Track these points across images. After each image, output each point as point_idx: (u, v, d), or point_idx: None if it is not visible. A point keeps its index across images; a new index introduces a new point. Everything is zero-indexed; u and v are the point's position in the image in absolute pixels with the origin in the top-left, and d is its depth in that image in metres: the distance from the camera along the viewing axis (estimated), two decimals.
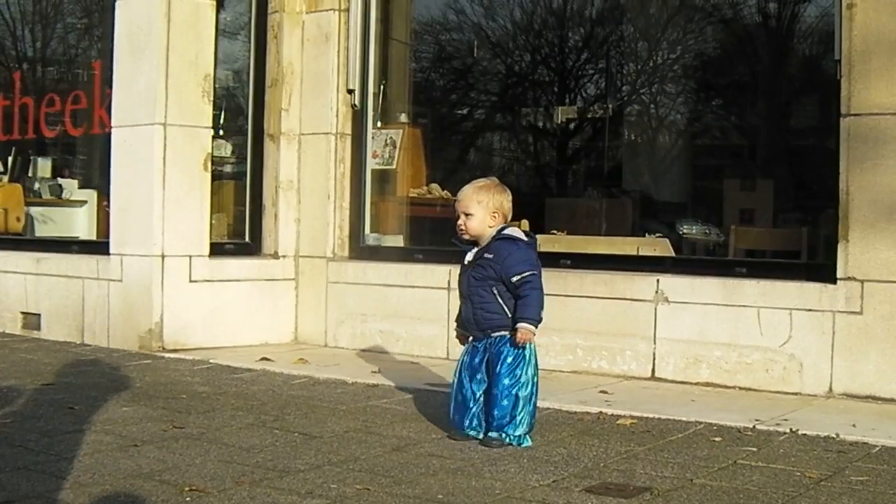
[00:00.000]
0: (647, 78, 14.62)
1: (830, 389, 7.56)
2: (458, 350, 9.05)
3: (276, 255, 10.18)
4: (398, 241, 10.49)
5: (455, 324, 6.26)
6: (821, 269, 7.84)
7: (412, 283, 9.47)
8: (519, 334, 5.86)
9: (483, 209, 5.98)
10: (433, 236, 10.96)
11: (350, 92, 10.09)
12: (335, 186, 10.04)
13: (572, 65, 15.32)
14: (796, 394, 7.65)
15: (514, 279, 5.89)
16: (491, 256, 5.96)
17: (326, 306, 10.01)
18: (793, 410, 7.02)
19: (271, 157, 10.25)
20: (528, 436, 5.91)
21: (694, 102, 14.24)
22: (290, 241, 10.22)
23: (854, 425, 6.49)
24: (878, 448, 5.99)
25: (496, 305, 5.95)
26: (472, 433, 5.95)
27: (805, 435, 6.27)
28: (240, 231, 10.37)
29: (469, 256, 6.09)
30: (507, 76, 15.35)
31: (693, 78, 14.14)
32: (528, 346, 5.92)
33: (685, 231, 11.78)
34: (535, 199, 13.27)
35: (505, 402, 5.85)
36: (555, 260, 8.90)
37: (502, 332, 5.94)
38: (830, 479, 5.25)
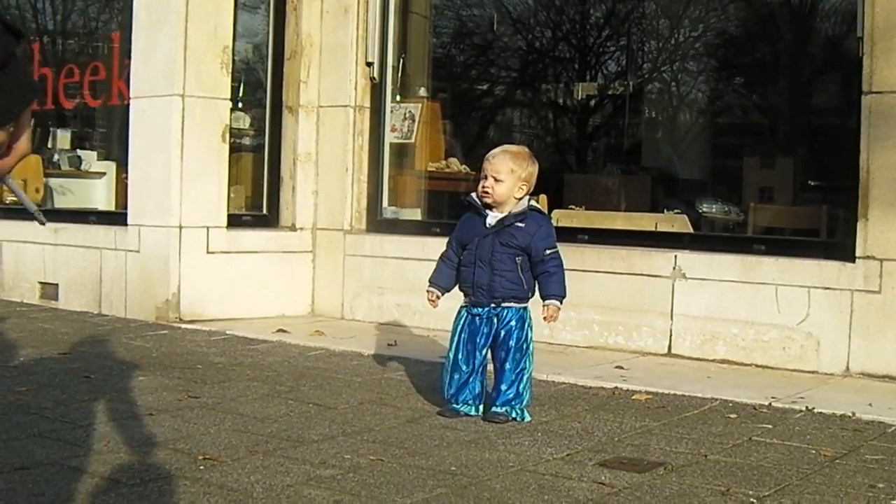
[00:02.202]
0: (669, 56, 14.56)
1: (847, 368, 7.54)
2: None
3: (293, 228, 10.18)
4: (416, 214, 10.49)
5: (429, 283, 6.12)
6: (840, 247, 7.81)
7: (429, 256, 9.37)
8: (549, 311, 5.83)
9: (514, 178, 5.84)
10: (451, 210, 10.94)
11: (369, 65, 10.07)
12: (353, 159, 10.03)
13: (593, 41, 15.26)
14: (813, 372, 7.63)
15: (547, 252, 5.85)
16: (522, 226, 5.86)
17: (343, 279, 10.01)
18: (809, 388, 7.00)
19: (289, 129, 10.24)
20: (527, 410, 5.93)
21: (715, 81, 14.18)
22: (308, 214, 10.22)
23: (870, 404, 6.47)
24: (894, 427, 5.97)
25: (516, 276, 5.85)
26: (465, 409, 5.91)
27: (821, 413, 6.26)
28: (257, 203, 10.36)
29: (491, 221, 5.89)
30: (528, 52, 15.31)
31: (714, 56, 14.09)
32: (528, 320, 5.93)
33: (704, 209, 11.73)
34: (554, 175, 13.22)
35: (514, 378, 5.83)
36: (572, 235, 8.88)
37: (513, 304, 5.89)
38: (845, 457, 5.24)
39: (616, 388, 6.83)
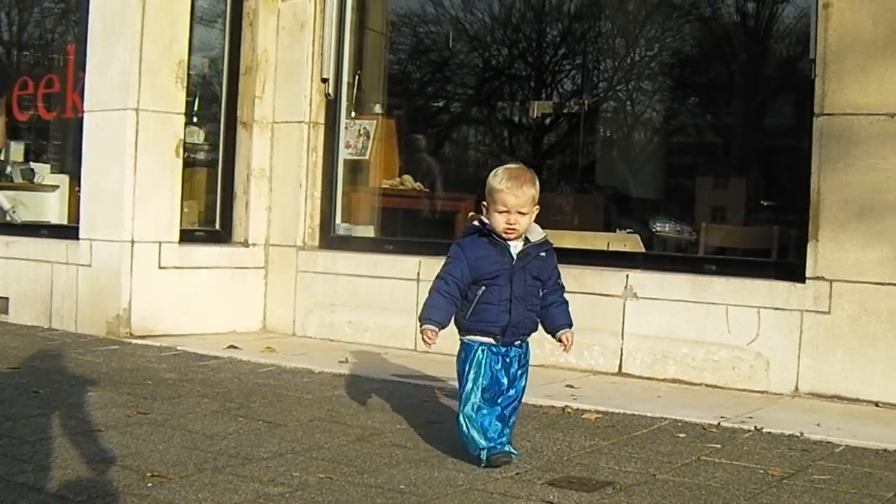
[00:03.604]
0: (624, 75, 14.60)
1: (796, 388, 7.59)
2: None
3: (246, 244, 10.17)
4: (369, 231, 10.49)
5: (426, 320, 5.32)
6: (790, 268, 7.87)
7: (382, 273, 9.47)
8: (570, 341, 5.51)
9: (533, 206, 5.31)
10: (404, 227, 10.96)
11: (324, 81, 10.08)
12: (307, 175, 10.03)
13: (549, 60, 15.29)
14: (762, 392, 7.68)
15: (559, 282, 5.52)
16: (545, 255, 5.43)
17: (295, 295, 10.00)
18: (758, 408, 7.04)
19: (244, 144, 10.23)
20: None
21: (670, 100, 14.23)
22: (261, 230, 10.21)
23: (819, 424, 6.52)
24: (841, 447, 6.01)
25: (538, 310, 5.45)
26: (510, 448, 5.33)
27: (769, 433, 6.29)
28: (210, 218, 10.34)
29: (515, 251, 5.34)
30: (484, 70, 15.32)
31: (669, 75, 14.14)
32: None
33: (658, 228, 11.78)
34: None
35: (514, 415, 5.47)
36: None
37: (527, 339, 5.47)
38: (793, 477, 5.27)
39: (566, 406, 6.84)
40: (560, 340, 5.51)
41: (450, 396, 7.11)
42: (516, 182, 5.26)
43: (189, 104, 9.87)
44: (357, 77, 10.49)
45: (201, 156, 10.66)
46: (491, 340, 5.33)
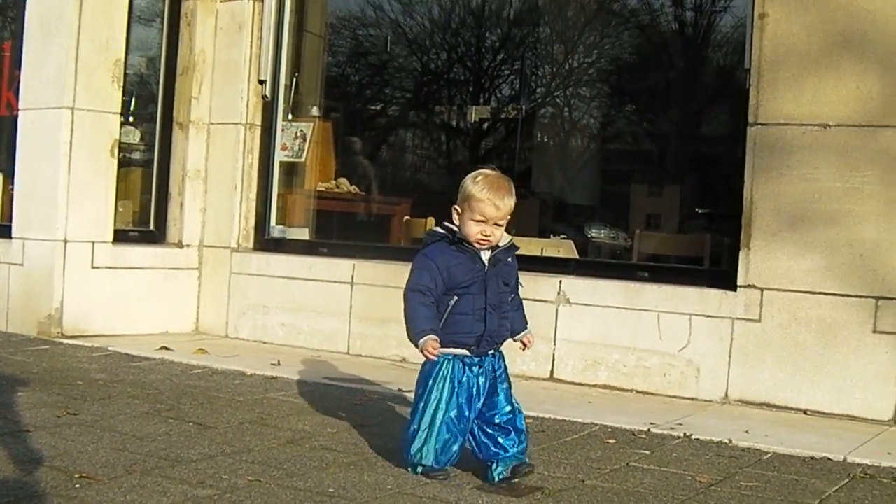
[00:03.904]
0: (562, 81, 14.68)
1: (726, 395, 7.66)
2: (360, 345, 9.14)
3: (180, 245, 10.13)
4: (304, 233, 10.47)
5: (425, 332, 4.99)
6: (722, 275, 7.95)
7: (316, 276, 9.46)
8: (531, 342, 5.40)
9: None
10: (339, 230, 10.96)
11: (261, 83, 10.06)
12: (242, 177, 10.01)
13: (488, 65, 15.34)
14: (692, 399, 7.74)
15: (520, 283, 5.38)
16: (510, 261, 5.22)
17: (229, 297, 9.97)
18: (688, 415, 7.10)
19: (179, 145, 10.18)
20: None
21: (607, 107, 14.33)
22: (195, 231, 10.17)
23: (747, 431, 6.58)
24: (769, 455, 6.07)
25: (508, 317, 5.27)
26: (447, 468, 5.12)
27: (698, 439, 6.35)
28: (145, 219, 10.29)
29: (485, 257, 5.10)
30: (423, 74, 15.36)
31: (607, 83, 14.23)
32: None
33: (592, 234, 11.85)
34: (444, 198, 13.27)
35: (521, 423, 5.23)
36: None
37: (499, 348, 5.26)
38: (721, 483, 5.32)
39: None
40: (522, 341, 5.38)
41: (382, 400, 7.13)
42: (497, 193, 4.98)
43: (125, 104, 9.81)
44: (295, 79, 10.48)
45: (137, 156, 10.60)
46: (465, 352, 5.08)
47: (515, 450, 5.07)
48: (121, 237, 9.68)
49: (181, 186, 10.14)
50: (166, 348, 8.78)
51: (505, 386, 5.18)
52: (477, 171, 5.13)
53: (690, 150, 12.88)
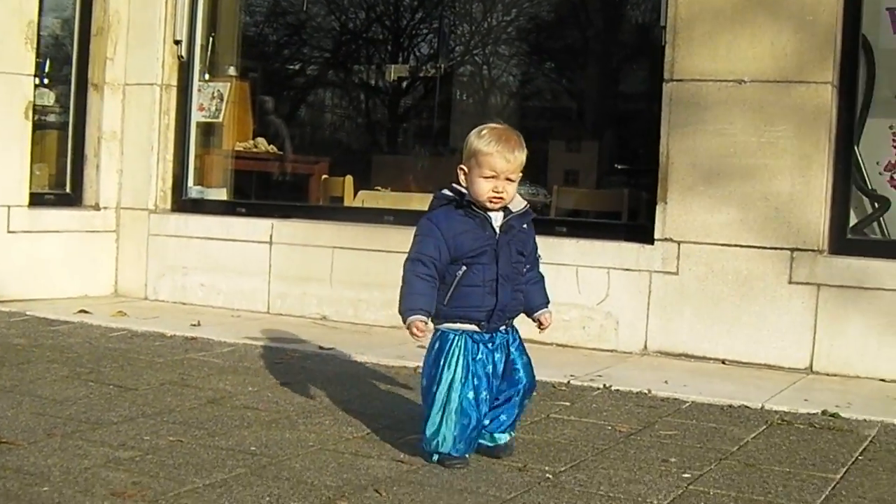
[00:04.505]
0: (481, 39, 14.67)
1: (645, 347, 7.76)
2: (280, 304, 9.13)
3: (97, 207, 10.03)
4: (221, 194, 10.42)
5: (412, 311, 4.60)
6: (640, 230, 8.03)
7: (234, 236, 9.42)
8: (549, 321, 4.93)
9: (520, 172, 4.67)
10: (257, 190, 10.93)
11: (177, 43, 9.97)
12: (159, 138, 9.93)
13: (406, 23, 15.31)
14: (612, 351, 7.84)
15: (538, 255, 4.95)
16: (527, 227, 4.79)
17: (147, 259, 9.90)
18: (608, 367, 7.19)
19: (95, 106, 10.07)
20: None
21: (525, 65, 14.35)
22: (112, 193, 10.07)
23: (666, 382, 6.68)
24: (688, 404, 6.17)
25: (524, 288, 4.85)
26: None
27: (618, 390, 6.44)
28: (61, 182, 10.16)
29: (496, 223, 4.66)
30: (341, 33, 15.29)
31: (526, 41, 14.24)
32: None
33: None
34: (363, 157, 13.32)
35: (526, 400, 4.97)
36: (378, 216, 8.97)
37: (512, 323, 4.84)
38: (640, 433, 5.40)
39: (418, 367, 6.86)
40: (539, 320, 4.92)
41: (302, 358, 7.13)
42: (507, 145, 4.57)
43: (39, 66, 9.69)
44: (211, 39, 10.41)
45: (52, 118, 10.48)
46: (474, 327, 4.66)
47: (511, 424, 4.85)
48: (37, 200, 9.56)
49: (97, 148, 10.04)
50: (85, 311, 8.72)
51: (525, 359, 4.83)
52: (481, 126, 4.73)
53: (608, 106, 12.93)
